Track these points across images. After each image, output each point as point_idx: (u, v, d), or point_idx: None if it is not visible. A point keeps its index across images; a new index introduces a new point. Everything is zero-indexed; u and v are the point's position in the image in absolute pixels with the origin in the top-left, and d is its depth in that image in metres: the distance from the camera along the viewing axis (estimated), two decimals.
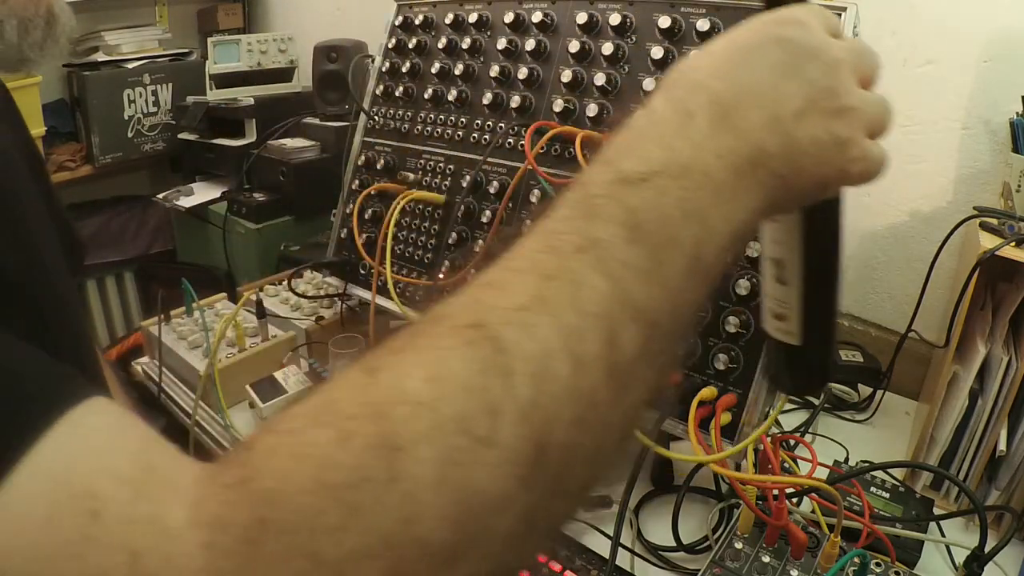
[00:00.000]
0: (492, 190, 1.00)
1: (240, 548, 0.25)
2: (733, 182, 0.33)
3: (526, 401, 0.27)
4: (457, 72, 1.06)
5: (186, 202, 1.82)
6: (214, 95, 1.85)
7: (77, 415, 0.28)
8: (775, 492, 0.71)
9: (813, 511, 0.77)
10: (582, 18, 0.92)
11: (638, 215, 0.31)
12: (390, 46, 1.17)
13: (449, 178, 1.08)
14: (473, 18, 1.05)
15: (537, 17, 0.98)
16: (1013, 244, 0.81)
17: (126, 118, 1.99)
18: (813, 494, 0.77)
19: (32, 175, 0.56)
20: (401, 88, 1.15)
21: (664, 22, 0.85)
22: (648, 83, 0.85)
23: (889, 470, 0.89)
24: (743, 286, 0.76)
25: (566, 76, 0.93)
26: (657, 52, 0.85)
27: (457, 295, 0.31)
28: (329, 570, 0.24)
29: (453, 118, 1.08)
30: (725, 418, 0.76)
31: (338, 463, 0.25)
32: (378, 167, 1.16)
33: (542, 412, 0.27)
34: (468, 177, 1.02)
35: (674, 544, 0.79)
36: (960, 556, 0.76)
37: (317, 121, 1.76)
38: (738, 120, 0.34)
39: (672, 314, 0.31)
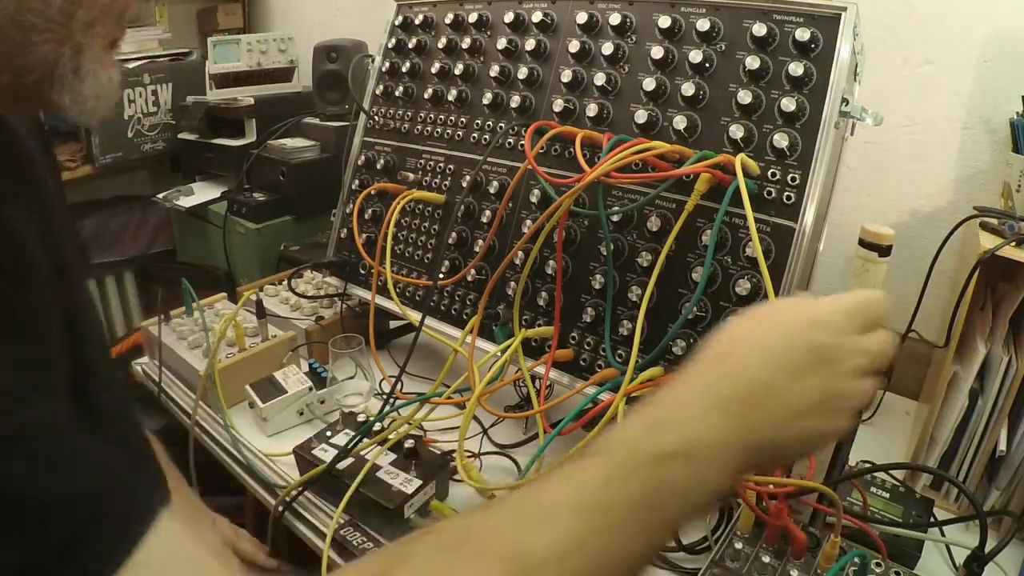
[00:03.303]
0: (492, 190, 1.00)
1: None
2: (730, 463, 0.41)
3: None
4: (457, 72, 1.06)
5: (186, 202, 1.82)
6: (214, 95, 1.85)
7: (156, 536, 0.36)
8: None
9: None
10: (582, 18, 0.92)
11: (665, 483, 0.39)
12: (390, 46, 1.17)
13: (449, 178, 1.08)
14: (473, 18, 1.05)
15: (537, 17, 0.98)
16: (1013, 244, 0.81)
17: (126, 118, 1.98)
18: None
19: (58, 191, 0.62)
20: (401, 88, 1.15)
21: (664, 22, 0.85)
22: (648, 83, 0.85)
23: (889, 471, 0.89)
24: (743, 286, 0.76)
25: (566, 76, 0.93)
26: (657, 52, 0.85)
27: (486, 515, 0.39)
28: None
29: (453, 118, 1.08)
30: None
31: None
32: (378, 167, 1.16)
33: None
34: (468, 177, 1.02)
35: (674, 544, 0.79)
36: (960, 556, 0.76)
37: (317, 121, 1.76)
38: (748, 415, 0.42)
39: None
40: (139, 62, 2.00)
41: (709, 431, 0.41)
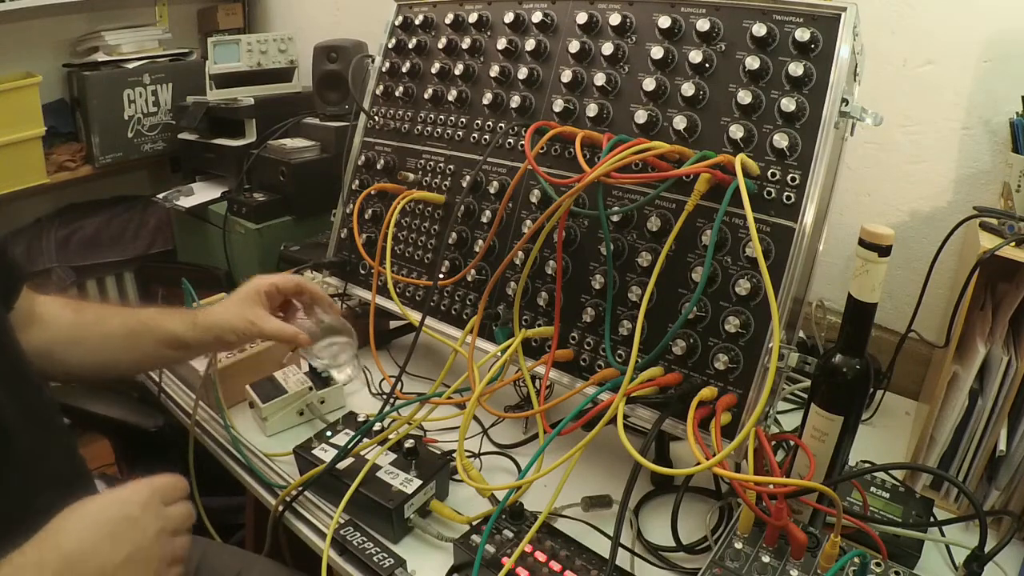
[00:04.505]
0: (492, 190, 1.00)
1: None
2: None
3: None
4: (457, 72, 1.06)
5: (186, 202, 1.82)
6: (214, 95, 1.85)
7: None
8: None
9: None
10: (582, 18, 0.92)
11: None
12: (390, 46, 1.17)
13: (449, 178, 1.08)
14: (473, 18, 1.05)
15: (537, 17, 0.98)
16: (1013, 244, 0.81)
17: (126, 118, 1.99)
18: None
19: None
20: (401, 88, 1.15)
21: (664, 22, 0.85)
22: (648, 83, 0.85)
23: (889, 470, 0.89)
24: (743, 286, 0.76)
25: (566, 76, 0.93)
26: (657, 52, 0.85)
27: None
28: None
29: (453, 118, 1.08)
30: (725, 418, 0.76)
31: None
32: (378, 167, 1.16)
33: None
34: (468, 177, 1.02)
35: (674, 544, 0.79)
36: (960, 556, 0.76)
37: (317, 121, 1.76)
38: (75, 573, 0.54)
39: None
40: (139, 62, 2.00)
41: None
